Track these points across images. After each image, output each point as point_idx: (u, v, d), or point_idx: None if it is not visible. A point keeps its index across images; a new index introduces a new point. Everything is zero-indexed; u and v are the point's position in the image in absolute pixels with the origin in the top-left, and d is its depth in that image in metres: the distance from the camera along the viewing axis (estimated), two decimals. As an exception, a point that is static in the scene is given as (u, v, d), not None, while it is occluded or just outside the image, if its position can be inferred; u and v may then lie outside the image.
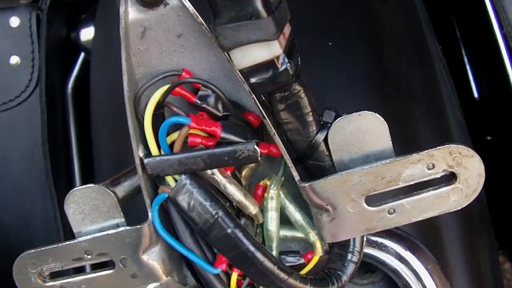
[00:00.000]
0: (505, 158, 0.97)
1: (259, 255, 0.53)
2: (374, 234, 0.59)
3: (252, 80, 0.51)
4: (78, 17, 1.07)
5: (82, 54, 1.06)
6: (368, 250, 0.60)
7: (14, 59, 1.00)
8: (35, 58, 0.99)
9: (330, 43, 0.73)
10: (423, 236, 0.64)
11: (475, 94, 1.06)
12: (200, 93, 0.54)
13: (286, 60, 0.50)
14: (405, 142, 0.54)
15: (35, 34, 0.99)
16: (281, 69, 0.50)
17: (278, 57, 0.50)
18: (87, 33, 1.03)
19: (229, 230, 0.53)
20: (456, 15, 1.04)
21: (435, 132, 0.73)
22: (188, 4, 0.50)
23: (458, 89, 0.90)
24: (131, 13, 0.51)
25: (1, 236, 1.04)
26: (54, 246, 0.58)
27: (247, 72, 0.51)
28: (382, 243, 0.60)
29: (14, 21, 1.00)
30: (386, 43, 0.78)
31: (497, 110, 0.94)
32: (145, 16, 0.51)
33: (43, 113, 0.98)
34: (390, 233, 0.60)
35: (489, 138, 1.05)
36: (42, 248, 0.58)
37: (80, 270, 0.63)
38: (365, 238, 0.58)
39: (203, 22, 0.51)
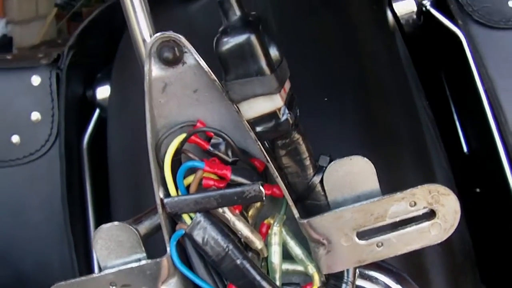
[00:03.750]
0: (492, 208, 1.04)
1: (264, 284, 0.61)
2: (366, 268, 0.67)
3: (258, 128, 0.59)
4: (93, 76, 1.14)
5: (97, 112, 1.13)
6: (360, 282, 0.67)
7: (35, 115, 1.08)
8: (54, 114, 1.07)
9: (325, 99, 0.81)
10: (409, 271, 0.71)
11: (465, 149, 1.13)
12: (212, 141, 0.62)
13: (287, 111, 0.58)
14: (393, 188, 0.62)
15: (55, 92, 1.07)
16: (282, 119, 0.58)
17: (279, 109, 0.58)
18: (102, 92, 1.10)
19: (238, 261, 0.60)
20: (445, 73, 1.11)
21: (421, 179, 0.81)
22: (203, 63, 0.59)
23: (448, 144, 0.98)
24: (154, 71, 0.59)
25: (21, 281, 1.11)
26: (83, 278, 0.65)
27: (253, 122, 0.59)
28: (373, 275, 0.67)
29: (35, 80, 1.08)
30: (375, 96, 0.87)
31: (484, 164, 1.01)
32: (166, 74, 0.60)
33: (62, 166, 1.05)
34: (380, 267, 0.67)
35: (478, 190, 1.11)
36: (73, 280, 0.65)
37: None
38: (357, 271, 0.65)
39: (216, 79, 0.59)
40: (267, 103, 0.58)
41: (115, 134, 0.99)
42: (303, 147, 0.62)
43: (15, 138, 1.08)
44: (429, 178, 0.82)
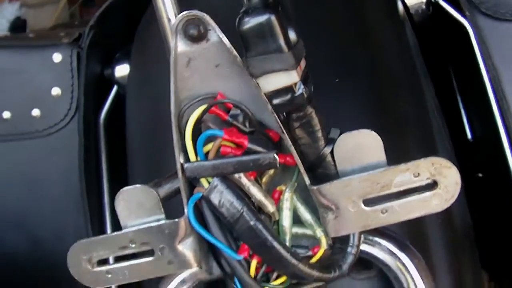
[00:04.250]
0: (493, 192, 1.08)
1: (275, 244, 0.66)
2: (370, 233, 0.71)
3: (274, 101, 0.64)
4: (111, 55, 1.18)
5: (114, 89, 1.17)
6: (364, 247, 0.72)
7: (56, 91, 1.13)
8: (74, 90, 1.12)
9: (337, 80, 0.86)
10: (411, 239, 0.75)
11: (469, 136, 1.17)
12: (231, 112, 0.67)
13: (302, 86, 0.63)
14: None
15: (75, 70, 1.12)
16: (297, 93, 0.63)
17: (295, 84, 0.63)
18: (121, 70, 1.15)
19: (251, 223, 0.65)
20: (452, 62, 1.15)
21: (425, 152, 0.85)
22: (226, 40, 0.63)
23: (453, 131, 1.02)
24: (180, 47, 0.64)
25: (38, 249, 1.16)
26: (104, 236, 0.70)
27: (270, 96, 0.64)
28: (376, 241, 0.72)
29: (57, 57, 1.13)
30: (385, 81, 0.91)
31: (487, 149, 1.05)
32: (191, 49, 0.64)
33: (80, 140, 1.10)
34: (383, 233, 0.72)
35: (480, 175, 1.15)
36: (93, 238, 0.71)
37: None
38: (362, 236, 0.70)
39: (237, 55, 0.64)
40: (284, 78, 0.63)
41: (134, 109, 1.03)
42: (315, 120, 0.66)
43: (36, 112, 1.13)
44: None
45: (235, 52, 0.64)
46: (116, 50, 1.19)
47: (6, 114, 1.14)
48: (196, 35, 0.63)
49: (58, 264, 1.07)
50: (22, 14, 2.77)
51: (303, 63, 0.65)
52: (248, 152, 0.66)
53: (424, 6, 1.08)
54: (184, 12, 0.63)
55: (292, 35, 0.64)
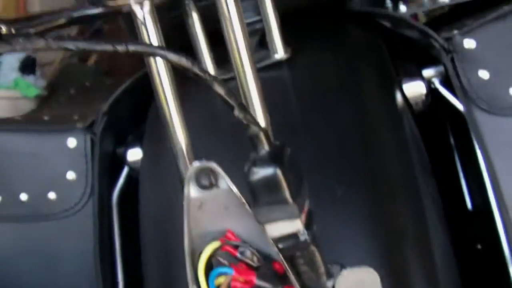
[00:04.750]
0: (492, 265, 1.12)
1: None
2: None
3: (280, 245, 0.69)
4: (123, 136, 1.23)
5: (126, 169, 1.22)
6: None
7: (71, 175, 1.17)
8: (88, 175, 1.17)
9: (339, 192, 0.91)
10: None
11: (469, 205, 1.21)
12: (240, 249, 0.72)
13: (306, 232, 0.68)
14: (395, 278, 0.71)
15: (89, 155, 1.17)
16: (301, 239, 0.68)
17: (299, 231, 0.68)
18: (133, 154, 1.19)
19: None
20: (453, 137, 1.19)
21: (422, 266, 0.90)
22: (234, 189, 0.69)
23: (453, 201, 1.07)
24: (192, 193, 0.69)
25: None
26: None
27: (276, 240, 0.69)
28: None
29: (71, 142, 1.18)
30: (382, 188, 0.96)
31: (486, 221, 1.09)
32: (202, 195, 0.69)
33: (95, 223, 1.15)
34: None
35: (479, 247, 1.19)
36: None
37: None
38: None
39: (245, 202, 0.69)
40: (289, 226, 0.68)
41: (148, 198, 1.07)
42: (318, 258, 0.71)
43: (52, 195, 1.17)
44: (430, 269, 0.91)
45: (243, 200, 0.69)
46: (127, 130, 1.23)
47: (24, 196, 1.19)
48: (207, 184, 0.68)
49: None
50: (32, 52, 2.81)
51: (306, 205, 0.70)
52: (257, 287, 0.71)
53: (424, 97, 1.12)
54: (196, 163, 0.68)
55: (296, 181, 0.69)
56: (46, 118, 1.23)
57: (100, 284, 1.14)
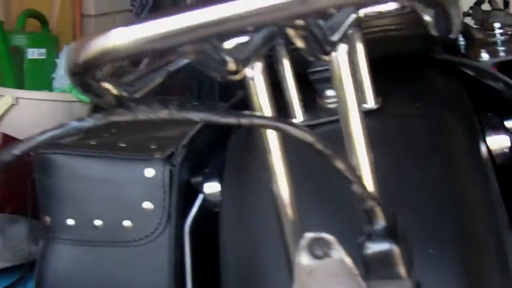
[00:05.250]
0: None
1: None
2: None
3: None
4: (199, 165, 1.23)
5: (200, 199, 1.21)
6: None
7: (147, 204, 1.18)
8: (165, 206, 1.17)
9: (430, 251, 0.90)
10: None
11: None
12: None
13: None
14: None
15: (167, 186, 1.17)
16: None
17: None
18: (211, 187, 1.19)
19: None
20: None
21: None
22: (348, 260, 0.68)
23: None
24: (304, 261, 0.69)
25: None
26: None
27: None
28: None
29: (149, 172, 1.18)
30: (472, 249, 0.95)
31: None
32: (314, 263, 0.69)
33: (170, 254, 1.15)
34: None
35: None
36: None
37: None
38: None
39: (358, 273, 0.68)
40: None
41: (230, 239, 1.06)
42: None
43: (127, 223, 1.18)
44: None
45: (356, 271, 0.68)
46: (203, 160, 1.23)
47: (98, 222, 1.19)
48: (321, 255, 0.68)
49: None
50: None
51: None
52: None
53: (507, 150, 1.11)
54: (311, 234, 0.67)
55: (407, 257, 0.68)
56: (122, 145, 1.22)
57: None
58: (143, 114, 0.59)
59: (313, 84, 1.08)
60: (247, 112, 0.65)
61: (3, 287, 1.85)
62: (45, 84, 2.85)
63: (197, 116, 0.59)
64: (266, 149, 0.75)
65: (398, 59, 1.14)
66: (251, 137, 1.05)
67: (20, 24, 2.89)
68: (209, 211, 1.20)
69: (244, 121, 0.61)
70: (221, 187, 1.16)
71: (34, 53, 2.86)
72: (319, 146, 0.62)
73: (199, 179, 1.21)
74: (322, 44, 0.67)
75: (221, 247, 1.09)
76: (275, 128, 0.61)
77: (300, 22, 0.64)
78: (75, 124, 0.59)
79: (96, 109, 2.87)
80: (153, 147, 1.21)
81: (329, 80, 0.95)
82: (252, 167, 1.04)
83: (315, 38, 0.66)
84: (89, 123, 0.59)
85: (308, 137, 0.61)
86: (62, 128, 0.59)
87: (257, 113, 0.73)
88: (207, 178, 1.20)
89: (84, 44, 0.58)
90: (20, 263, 1.89)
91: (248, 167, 1.08)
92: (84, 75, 0.60)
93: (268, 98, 0.73)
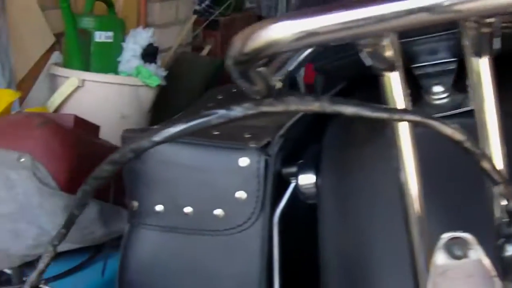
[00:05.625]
0: None
1: None
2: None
3: None
4: (289, 156, 1.21)
5: (290, 190, 1.20)
6: None
7: (240, 194, 1.16)
8: (259, 196, 1.15)
9: None
10: None
11: None
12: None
13: None
14: None
15: (262, 176, 1.15)
16: None
17: None
18: (305, 179, 1.17)
19: None
20: None
21: None
22: (487, 262, 0.66)
23: None
24: (440, 260, 0.67)
25: None
26: None
27: None
28: None
29: (243, 161, 1.16)
30: None
31: None
32: (449, 263, 0.67)
33: (263, 244, 1.14)
34: None
35: None
36: None
37: None
38: None
39: (496, 275, 0.66)
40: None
41: (331, 232, 1.05)
42: None
43: (218, 211, 1.17)
44: None
45: (494, 273, 0.66)
46: (295, 150, 1.21)
47: (188, 209, 1.18)
48: (461, 255, 0.66)
49: None
50: (154, 42, 2.84)
51: None
52: None
53: None
54: (449, 234, 0.66)
55: None
56: (215, 133, 1.21)
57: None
58: (294, 105, 0.58)
59: (417, 79, 1.05)
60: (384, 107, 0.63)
61: (70, 268, 1.86)
62: (111, 67, 2.85)
63: (349, 109, 0.58)
64: (398, 142, 0.73)
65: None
66: (350, 131, 1.04)
67: (88, 7, 2.90)
68: (297, 203, 1.18)
69: (396, 116, 0.59)
70: (317, 179, 1.15)
71: (101, 36, 2.86)
72: (468, 144, 0.60)
73: (292, 170, 1.20)
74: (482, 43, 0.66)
75: (321, 239, 1.07)
76: (425, 125, 0.60)
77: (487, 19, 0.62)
78: (223, 112, 0.58)
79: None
80: (247, 136, 1.20)
81: (437, 75, 0.94)
82: (356, 161, 1.02)
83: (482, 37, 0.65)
84: (238, 112, 0.58)
85: (458, 135, 0.60)
86: (210, 116, 0.58)
87: (404, 109, 0.72)
88: (302, 170, 1.19)
89: (252, 34, 0.57)
90: (88, 245, 1.89)
91: (351, 160, 1.06)
92: (248, 64, 0.59)
93: (404, 93, 0.72)
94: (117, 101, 2.80)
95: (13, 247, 1.81)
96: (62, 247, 1.81)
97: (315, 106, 0.58)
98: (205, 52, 3.71)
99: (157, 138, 0.58)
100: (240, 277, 1.17)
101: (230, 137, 1.22)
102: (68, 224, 0.87)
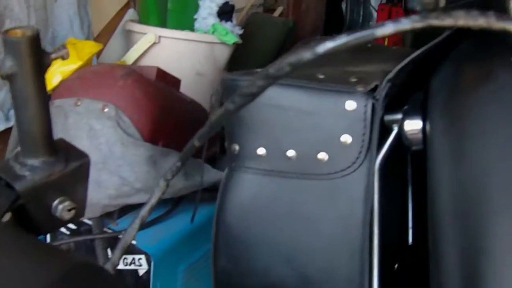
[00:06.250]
0: None
1: None
2: None
3: None
4: (392, 101, 1.19)
5: (392, 136, 1.19)
6: None
7: (345, 138, 1.15)
8: (364, 140, 1.14)
9: None
10: None
11: None
12: None
13: None
14: None
15: (369, 120, 1.14)
16: None
17: None
18: (412, 125, 1.16)
19: None
20: None
21: None
22: None
23: None
24: None
25: (305, 283, 1.19)
26: None
27: None
28: None
29: (350, 105, 1.15)
30: None
31: None
32: None
33: (367, 189, 1.13)
34: None
35: None
36: None
37: None
38: None
39: None
40: None
41: (445, 181, 1.02)
42: None
43: (322, 155, 1.16)
44: None
45: None
46: (400, 96, 1.20)
47: (291, 153, 1.18)
48: None
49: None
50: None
51: None
52: None
53: None
54: None
55: None
56: (321, 76, 1.20)
57: (366, 249, 1.13)
58: (462, 20, 0.56)
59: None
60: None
61: (149, 220, 1.87)
62: (187, 24, 2.85)
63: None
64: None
65: None
66: (460, 76, 1.02)
67: (165, -36, 2.90)
68: (396, 149, 1.17)
69: None
70: (425, 125, 1.13)
71: (178, -7, 2.86)
72: None
73: (396, 116, 1.19)
74: None
75: (432, 183, 1.05)
76: None
77: None
78: (389, 24, 0.57)
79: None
80: (354, 80, 1.18)
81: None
82: (469, 105, 1.00)
83: None
84: (405, 24, 0.57)
85: None
86: (375, 28, 0.57)
87: None
88: (408, 115, 1.17)
89: None
90: (169, 197, 1.90)
91: (464, 104, 1.04)
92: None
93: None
94: (192, 58, 2.80)
95: (95, 197, 1.83)
96: (144, 198, 1.83)
97: (481, 21, 0.56)
98: (277, 13, 3.69)
99: (320, 49, 0.57)
100: (342, 221, 1.16)
101: (336, 80, 1.20)
102: (185, 157, 0.87)
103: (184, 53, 2.82)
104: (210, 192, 1.69)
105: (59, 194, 0.81)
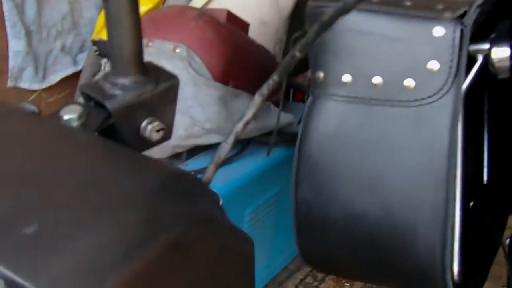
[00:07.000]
0: None
1: None
2: None
3: None
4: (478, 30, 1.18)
5: (477, 66, 1.17)
6: None
7: (432, 64, 1.14)
8: (452, 67, 1.13)
9: None
10: None
11: None
12: None
13: None
14: None
15: (457, 46, 1.13)
16: None
17: None
18: (499, 52, 1.15)
19: None
20: None
21: None
22: None
23: None
24: None
25: (390, 216, 1.19)
26: None
27: None
28: None
29: (438, 31, 1.14)
30: None
31: None
32: None
33: (454, 116, 1.12)
34: None
35: None
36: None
37: None
38: None
39: None
40: None
41: None
42: None
43: (408, 82, 1.15)
44: None
45: None
46: (486, 25, 1.18)
47: (377, 79, 1.17)
48: None
49: (409, 235, 1.10)
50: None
51: None
52: None
53: None
54: None
55: None
56: (408, 3, 1.19)
57: (452, 179, 1.12)
58: None
59: None
60: None
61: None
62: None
63: None
64: None
65: None
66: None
67: None
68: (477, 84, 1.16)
69: None
70: None
71: None
72: None
73: (483, 44, 1.18)
74: None
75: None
76: None
77: None
78: None
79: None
80: (441, 7, 1.17)
81: None
82: None
83: None
84: None
85: None
86: None
87: None
88: (496, 43, 1.16)
89: None
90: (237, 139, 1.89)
91: None
92: None
93: None
94: (257, 6, 2.78)
95: (165, 138, 1.84)
96: (213, 139, 1.84)
97: None
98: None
99: None
100: (427, 150, 1.15)
101: (423, 7, 1.19)
102: (284, 69, 0.87)
103: (249, 1, 2.81)
104: (278, 136, 1.69)
105: (149, 114, 0.80)
